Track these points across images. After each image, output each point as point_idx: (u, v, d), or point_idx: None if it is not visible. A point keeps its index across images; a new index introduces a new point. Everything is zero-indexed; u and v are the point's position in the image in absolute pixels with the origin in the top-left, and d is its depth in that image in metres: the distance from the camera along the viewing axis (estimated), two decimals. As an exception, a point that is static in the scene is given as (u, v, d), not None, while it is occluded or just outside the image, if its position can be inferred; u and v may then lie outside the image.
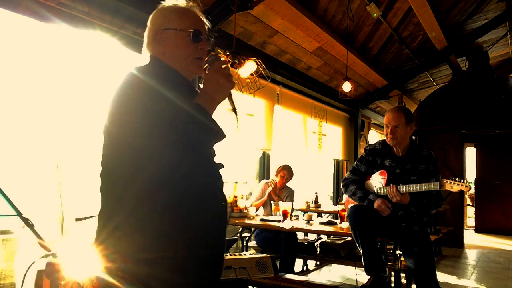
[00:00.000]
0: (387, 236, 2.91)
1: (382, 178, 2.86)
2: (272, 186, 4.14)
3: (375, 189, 2.89)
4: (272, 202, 4.03)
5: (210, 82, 1.17)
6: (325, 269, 4.76)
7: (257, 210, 4.15)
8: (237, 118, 1.26)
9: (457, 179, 2.59)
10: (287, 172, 4.23)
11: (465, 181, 2.59)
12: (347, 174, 3.07)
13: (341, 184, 3.06)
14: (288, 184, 4.29)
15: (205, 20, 1.29)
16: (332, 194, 7.22)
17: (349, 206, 2.97)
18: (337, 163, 7.28)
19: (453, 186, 2.57)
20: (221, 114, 1.23)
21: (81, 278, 1.59)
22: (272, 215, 3.84)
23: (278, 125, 5.20)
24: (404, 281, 3.59)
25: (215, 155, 1.26)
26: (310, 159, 6.87)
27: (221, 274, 1.27)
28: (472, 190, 8.65)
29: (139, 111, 1.10)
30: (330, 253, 3.70)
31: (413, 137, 6.86)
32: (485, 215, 8.18)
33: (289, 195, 4.20)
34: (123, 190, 1.16)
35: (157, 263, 1.13)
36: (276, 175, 4.27)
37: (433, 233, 4.70)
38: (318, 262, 4.76)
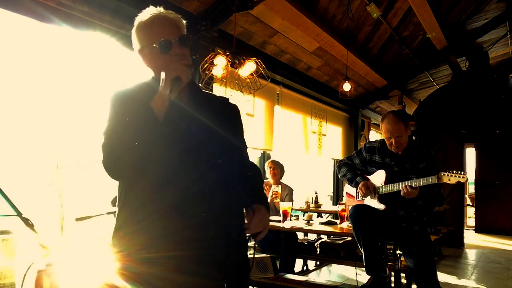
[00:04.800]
0: (387, 236, 2.91)
1: (381, 177, 2.86)
2: (268, 187, 4.07)
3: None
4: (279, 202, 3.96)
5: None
6: (325, 269, 4.76)
7: None
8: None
9: (454, 171, 2.57)
10: (272, 163, 4.19)
11: (462, 173, 2.57)
12: (344, 158, 3.18)
13: (336, 165, 3.14)
14: (287, 183, 4.27)
15: (176, 23, 1.26)
16: (332, 194, 7.21)
17: (351, 206, 2.97)
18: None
19: (450, 178, 2.56)
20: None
21: (81, 279, 1.59)
22: (278, 215, 3.80)
23: (278, 125, 5.20)
24: (404, 281, 3.59)
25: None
26: (310, 159, 6.87)
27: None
28: (472, 190, 8.65)
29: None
30: (330, 253, 3.69)
31: (413, 137, 6.94)
32: (485, 215, 8.17)
33: (288, 193, 4.18)
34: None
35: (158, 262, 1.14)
36: (269, 173, 4.23)
37: (433, 233, 4.71)
38: (318, 262, 4.75)
